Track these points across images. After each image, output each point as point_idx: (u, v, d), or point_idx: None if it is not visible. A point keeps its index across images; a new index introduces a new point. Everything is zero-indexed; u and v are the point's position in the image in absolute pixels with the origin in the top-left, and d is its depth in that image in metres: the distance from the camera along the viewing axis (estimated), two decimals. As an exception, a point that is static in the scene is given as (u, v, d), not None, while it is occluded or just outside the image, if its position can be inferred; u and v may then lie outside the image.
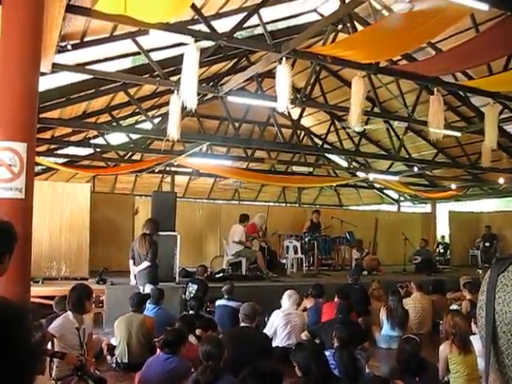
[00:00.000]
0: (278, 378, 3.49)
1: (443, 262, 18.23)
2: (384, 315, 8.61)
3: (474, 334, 5.82)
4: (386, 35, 7.51)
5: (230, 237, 12.49)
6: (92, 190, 14.49)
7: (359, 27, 10.16)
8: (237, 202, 20.63)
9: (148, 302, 7.58)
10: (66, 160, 15.83)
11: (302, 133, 18.08)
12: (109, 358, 6.89)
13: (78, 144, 14.26)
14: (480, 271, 13.04)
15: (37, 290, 8.92)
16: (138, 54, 9.52)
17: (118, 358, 6.68)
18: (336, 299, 8.37)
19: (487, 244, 17.47)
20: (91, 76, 9.67)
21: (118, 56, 10.07)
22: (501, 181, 17.23)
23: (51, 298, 7.89)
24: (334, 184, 20.96)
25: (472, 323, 6.04)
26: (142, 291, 8.26)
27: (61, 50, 7.75)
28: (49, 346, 5.18)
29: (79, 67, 9.24)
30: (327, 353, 5.57)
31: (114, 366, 6.71)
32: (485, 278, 1.37)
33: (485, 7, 6.19)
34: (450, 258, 18.87)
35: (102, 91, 11.39)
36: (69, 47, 8.02)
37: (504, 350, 1.24)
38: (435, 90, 9.52)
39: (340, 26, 10.56)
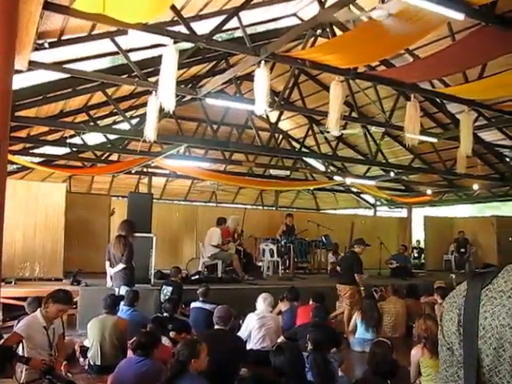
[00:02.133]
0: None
1: (418, 267, 18.39)
2: (358, 318, 8.66)
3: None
4: (364, 41, 7.57)
5: (207, 240, 12.46)
6: (68, 190, 14.36)
7: (338, 32, 10.23)
8: (214, 205, 20.58)
9: (122, 303, 7.53)
10: (42, 159, 15.66)
11: (280, 136, 18.14)
12: (81, 360, 6.83)
13: (54, 143, 14.12)
14: (453, 276, 13.15)
15: (9, 291, 8.82)
16: (117, 53, 9.44)
17: (90, 360, 6.62)
18: (311, 303, 8.39)
19: (462, 250, 17.64)
20: (69, 75, 9.57)
21: (96, 55, 9.99)
22: (475, 187, 17.46)
23: (24, 299, 7.80)
24: (312, 188, 21.09)
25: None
26: (117, 293, 8.20)
27: (38, 47, 7.66)
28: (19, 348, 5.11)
29: (56, 66, 9.14)
30: (301, 356, 5.60)
31: (86, 368, 6.64)
32: (457, 292, 1.32)
33: (460, 17, 6.28)
34: (425, 262, 19.03)
35: (80, 90, 11.29)
36: (46, 45, 7.93)
37: (493, 367, 1.19)
38: (412, 96, 9.61)
39: (319, 31, 10.62)
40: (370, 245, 10.52)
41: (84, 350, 6.87)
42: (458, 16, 6.25)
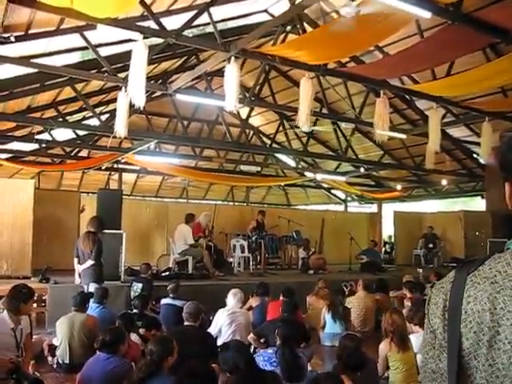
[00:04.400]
0: (212, 377, 3.52)
1: (388, 262, 18.57)
2: (327, 313, 8.71)
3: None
4: (334, 37, 7.62)
5: (176, 237, 12.43)
6: (37, 186, 14.18)
7: (309, 29, 10.27)
8: (185, 201, 20.52)
9: (91, 301, 7.47)
10: (9, 155, 15.43)
11: (251, 132, 18.15)
12: (50, 358, 6.76)
13: (22, 139, 13.91)
14: (420, 270, 13.34)
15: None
16: (86, 48, 9.34)
17: (59, 358, 6.55)
18: (281, 298, 8.43)
19: (430, 245, 17.84)
20: (36, 70, 9.44)
21: (65, 50, 9.87)
22: (443, 182, 17.75)
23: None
24: (282, 183, 21.17)
25: (410, 323, 6.21)
26: (86, 290, 8.13)
27: (3, 41, 7.55)
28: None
29: (23, 60, 9.00)
30: (270, 350, 5.63)
31: (55, 366, 6.58)
32: (446, 279, 1.35)
33: (427, 15, 6.38)
34: (395, 257, 19.22)
35: (48, 86, 11.14)
36: (12, 39, 7.80)
37: (472, 350, 1.22)
38: (382, 92, 9.69)
39: (289, 27, 10.66)
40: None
41: (53, 349, 6.80)
42: (425, 14, 6.35)
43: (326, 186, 21.90)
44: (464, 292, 1.24)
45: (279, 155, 20.07)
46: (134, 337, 6.46)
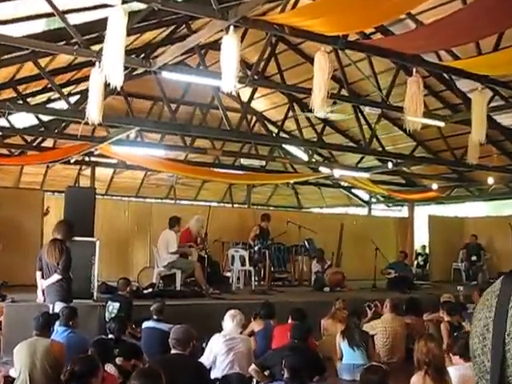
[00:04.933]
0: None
1: (422, 277, 18.53)
2: (342, 340, 8.69)
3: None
4: (357, 2, 7.62)
5: (161, 245, 12.45)
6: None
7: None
8: (172, 202, 20.54)
9: (57, 323, 7.49)
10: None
11: (254, 118, 18.17)
12: (6, 393, 6.78)
13: (-28, 126, 13.97)
14: (461, 288, 13.33)
15: None
16: (52, 15, 9.35)
17: (17, 393, 6.57)
18: (290, 321, 8.44)
19: (474, 257, 17.81)
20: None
21: (25, 17, 9.87)
22: (490, 181, 17.61)
23: None
24: (292, 181, 21.15)
25: (448, 353, 6.20)
26: (51, 310, 8.16)
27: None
28: None
29: (-25, 29, 9.04)
30: (276, 385, 5.65)
31: (12, 403, 6.59)
32: (489, 292, 1.35)
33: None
34: (430, 271, 19.18)
35: (5, 60, 11.14)
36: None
37: None
38: (414, 70, 9.69)
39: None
40: None
41: (9, 382, 6.81)
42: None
43: (345, 184, 21.89)
44: (508, 310, 1.23)
45: (288, 147, 20.07)
46: (109, 367, 6.47)
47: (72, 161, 15.92)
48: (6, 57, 10.97)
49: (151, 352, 7.86)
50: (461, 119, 12.61)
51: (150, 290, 12.11)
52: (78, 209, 11.27)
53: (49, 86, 12.76)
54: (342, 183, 21.73)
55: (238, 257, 14.22)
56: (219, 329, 7.66)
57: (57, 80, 12.35)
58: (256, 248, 14.51)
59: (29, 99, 13.75)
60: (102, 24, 7.92)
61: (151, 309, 8.73)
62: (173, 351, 6.21)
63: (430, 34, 9.11)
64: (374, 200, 24.34)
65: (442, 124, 13.20)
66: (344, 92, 12.99)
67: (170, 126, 14.13)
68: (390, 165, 16.74)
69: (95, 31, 9.93)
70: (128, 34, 7.40)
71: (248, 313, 8.62)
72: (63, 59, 12.10)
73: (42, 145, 16.48)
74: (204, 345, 7.71)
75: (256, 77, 11.50)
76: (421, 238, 21.25)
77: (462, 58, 10.63)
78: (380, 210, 24.99)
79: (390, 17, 9.94)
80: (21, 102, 12.94)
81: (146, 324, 8.66)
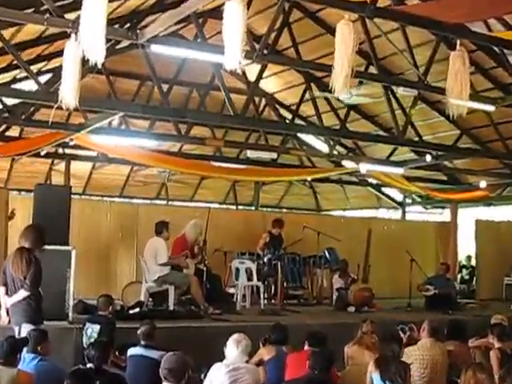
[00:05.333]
0: None
1: (467, 295, 18.48)
2: (375, 371, 8.68)
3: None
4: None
5: (147, 256, 12.45)
6: None
7: None
8: (164, 203, 20.58)
9: (25, 349, 7.52)
10: None
11: (263, 101, 18.19)
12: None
13: None
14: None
15: None
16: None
17: (-22, 433, 6.62)
18: (306, 347, 8.44)
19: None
20: None
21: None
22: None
23: None
24: (309, 178, 21.12)
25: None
26: (17, 334, 8.19)
27: None
28: None
29: None
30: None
31: None
32: None
33: None
34: (477, 287, 19.12)
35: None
36: None
37: None
38: (458, 43, 9.68)
39: None
40: None
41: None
42: None
43: (373, 181, 21.88)
44: None
45: (305, 136, 20.08)
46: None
47: (42, 153, 15.99)
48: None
49: (138, 384, 7.89)
50: (514, 102, 12.62)
51: (137, 309, 12.11)
52: (49, 211, 11.29)
53: (14, 62, 12.78)
54: (370, 180, 21.71)
55: (244, 270, 14.20)
56: (221, 357, 7.67)
57: (24, 55, 12.38)
58: (266, 259, 14.50)
59: (-10, 79, 13.83)
60: (78, -13, 7.95)
61: (138, 332, 8.73)
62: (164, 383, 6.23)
63: (477, -2, 9.12)
64: (408, 201, 24.33)
65: (491, 108, 13.18)
66: (372, 69, 13.00)
67: (161, 111, 14.14)
68: (428, 158, 16.69)
69: (71, -4, 9.98)
70: (110, 0, 7.43)
71: (256, 337, 8.61)
72: (32, 30, 12.13)
73: (6, 134, 16.54)
74: (202, 376, 7.72)
75: (265, 51, 11.50)
76: (466, 246, 21.21)
77: (516, 27, 10.64)
78: (416, 213, 24.98)
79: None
80: (-20, 82, 13.01)
81: (132, 351, 8.67)
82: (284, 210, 23.22)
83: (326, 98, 15.81)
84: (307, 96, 16.26)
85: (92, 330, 9.47)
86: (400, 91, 13.57)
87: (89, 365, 7.69)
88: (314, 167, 19.74)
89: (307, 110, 17.43)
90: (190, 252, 13.20)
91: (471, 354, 10.30)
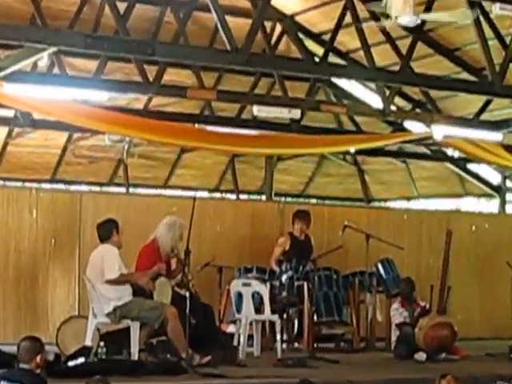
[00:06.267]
0: None
1: None
2: None
3: None
4: None
5: (92, 274, 12.35)
6: None
7: None
8: (122, 190, 20.65)
9: None
10: None
11: (278, 28, 18.15)
12: None
13: None
14: None
15: None
16: None
17: None
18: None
19: None
20: None
21: None
22: None
23: None
24: (353, 149, 21.08)
25: None
26: None
27: None
28: None
29: None
30: None
31: None
32: None
33: None
34: None
35: None
36: None
37: None
38: None
39: None
40: None
41: None
42: None
43: (455, 154, 21.84)
44: None
45: (345, 82, 20.08)
46: None
47: None
48: None
49: None
50: None
51: (81, 359, 12.11)
52: None
53: None
54: (450, 153, 21.68)
55: (250, 295, 14.13)
56: None
57: None
58: (284, 278, 14.46)
59: None
60: None
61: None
62: None
63: None
64: (510, 185, 24.29)
65: None
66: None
67: (115, 45, 14.07)
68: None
69: None
70: None
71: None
72: None
73: None
74: None
75: None
76: None
77: None
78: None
79: None
80: None
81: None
82: (312, 201, 23.22)
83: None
84: (348, 19, 16.18)
85: (10, 393, 9.49)
86: (496, 10, 13.53)
87: None
88: (360, 132, 19.75)
89: (348, 41, 17.41)
90: (163, 266, 13.05)
91: None
